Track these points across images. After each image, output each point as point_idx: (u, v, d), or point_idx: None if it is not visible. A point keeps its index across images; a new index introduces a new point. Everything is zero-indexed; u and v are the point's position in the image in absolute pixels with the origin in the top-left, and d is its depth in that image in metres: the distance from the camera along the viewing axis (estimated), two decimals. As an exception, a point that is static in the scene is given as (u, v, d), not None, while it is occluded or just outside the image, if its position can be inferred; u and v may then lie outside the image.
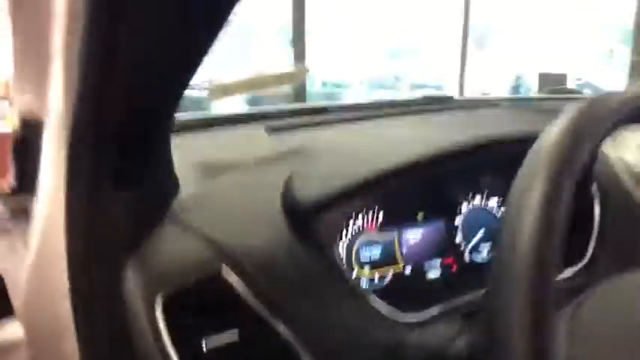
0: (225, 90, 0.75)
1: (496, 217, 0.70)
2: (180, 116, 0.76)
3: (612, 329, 0.34)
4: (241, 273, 0.42)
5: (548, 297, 0.26)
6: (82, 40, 0.28)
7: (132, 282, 0.36)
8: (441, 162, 0.59)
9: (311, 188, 0.53)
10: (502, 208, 0.71)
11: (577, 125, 0.31)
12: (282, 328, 0.42)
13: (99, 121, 0.32)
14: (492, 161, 0.66)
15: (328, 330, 0.45)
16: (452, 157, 0.59)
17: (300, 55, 3.32)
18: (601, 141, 0.31)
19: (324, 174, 0.59)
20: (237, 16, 0.33)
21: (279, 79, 0.79)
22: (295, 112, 0.91)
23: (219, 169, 0.59)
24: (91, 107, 0.31)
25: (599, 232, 0.64)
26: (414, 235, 0.65)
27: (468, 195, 0.69)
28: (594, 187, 0.65)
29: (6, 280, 0.43)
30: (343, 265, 0.54)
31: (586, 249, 0.64)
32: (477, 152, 0.60)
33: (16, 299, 0.40)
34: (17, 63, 0.37)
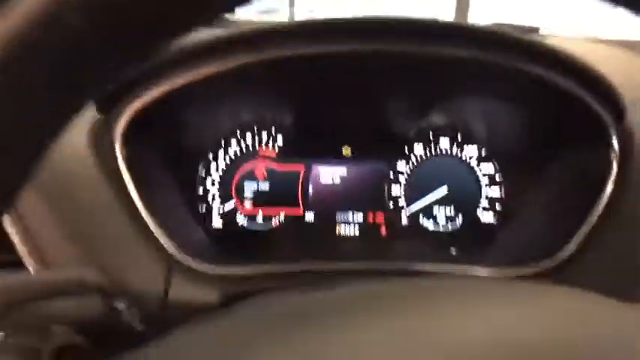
0: None
1: (472, 173, 0.50)
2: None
3: None
4: None
5: None
6: None
7: None
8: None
9: None
10: (483, 164, 0.50)
11: None
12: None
13: None
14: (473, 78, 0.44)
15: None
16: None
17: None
18: None
19: None
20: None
21: None
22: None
23: None
24: None
25: (602, 213, 0.41)
26: (330, 175, 0.49)
27: (427, 130, 0.50)
28: (614, 153, 0.42)
29: None
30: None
31: (574, 233, 0.42)
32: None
33: None
34: None
